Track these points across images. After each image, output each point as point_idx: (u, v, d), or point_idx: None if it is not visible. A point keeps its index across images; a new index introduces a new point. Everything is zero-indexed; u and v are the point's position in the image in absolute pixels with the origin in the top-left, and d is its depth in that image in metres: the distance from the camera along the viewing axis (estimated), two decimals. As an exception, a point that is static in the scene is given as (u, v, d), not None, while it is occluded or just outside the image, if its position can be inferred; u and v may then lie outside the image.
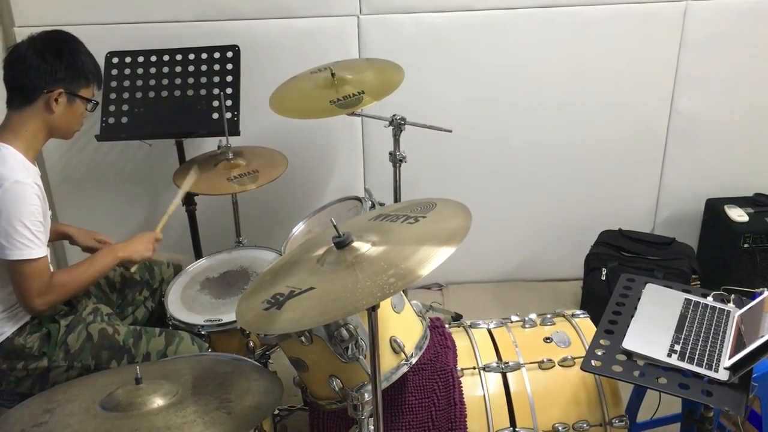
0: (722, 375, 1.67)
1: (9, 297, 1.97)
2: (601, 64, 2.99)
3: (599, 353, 1.77)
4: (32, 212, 1.86)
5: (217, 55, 2.73)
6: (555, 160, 3.14)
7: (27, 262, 1.87)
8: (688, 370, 1.69)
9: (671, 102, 3.05)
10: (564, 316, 2.10)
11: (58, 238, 2.31)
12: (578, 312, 2.11)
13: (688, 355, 1.73)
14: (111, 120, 2.65)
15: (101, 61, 2.64)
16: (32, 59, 1.94)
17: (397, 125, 2.51)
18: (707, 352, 1.74)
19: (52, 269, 1.99)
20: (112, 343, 2.03)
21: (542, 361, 1.91)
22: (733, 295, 1.99)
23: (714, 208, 3.10)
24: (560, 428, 1.84)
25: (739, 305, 1.94)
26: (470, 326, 2.08)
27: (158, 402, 1.50)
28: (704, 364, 1.70)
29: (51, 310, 2.04)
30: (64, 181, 3.06)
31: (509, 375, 1.90)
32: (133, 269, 2.22)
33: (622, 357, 1.75)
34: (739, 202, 3.07)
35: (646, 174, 3.19)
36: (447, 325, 2.07)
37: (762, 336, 1.64)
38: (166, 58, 2.73)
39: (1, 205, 1.83)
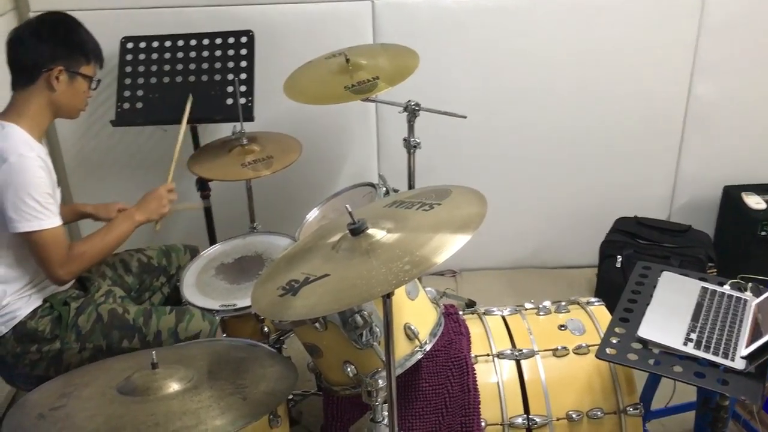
0: (739, 364, 1.66)
1: (22, 277, 1.99)
2: (618, 49, 2.95)
3: (614, 341, 1.76)
4: (38, 184, 1.89)
5: (231, 40, 2.72)
6: (570, 146, 3.11)
7: (40, 233, 1.89)
8: (704, 358, 1.68)
9: (689, 88, 3.02)
10: (579, 303, 2.09)
11: (77, 218, 2.33)
12: (593, 300, 2.10)
13: (704, 343, 1.72)
14: (126, 105, 2.65)
15: (116, 47, 2.66)
16: (29, 39, 1.98)
17: (412, 111, 2.49)
18: (723, 341, 1.73)
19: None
20: (122, 322, 2.05)
21: (557, 349, 1.91)
22: (750, 284, 1.97)
23: (731, 195, 3.07)
24: (574, 416, 1.84)
25: (757, 294, 1.93)
26: (484, 313, 2.08)
27: (174, 387, 1.51)
28: (720, 353, 1.69)
29: (63, 293, 2.07)
30: (80, 166, 3.07)
31: (523, 362, 1.90)
32: (157, 227, 2.25)
33: (637, 345, 1.74)
34: (757, 189, 3.04)
35: (662, 161, 3.16)
36: (460, 312, 2.07)
37: (780, 325, 1.63)
38: (180, 43, 2.73)
39: (8, 179, 1.86)
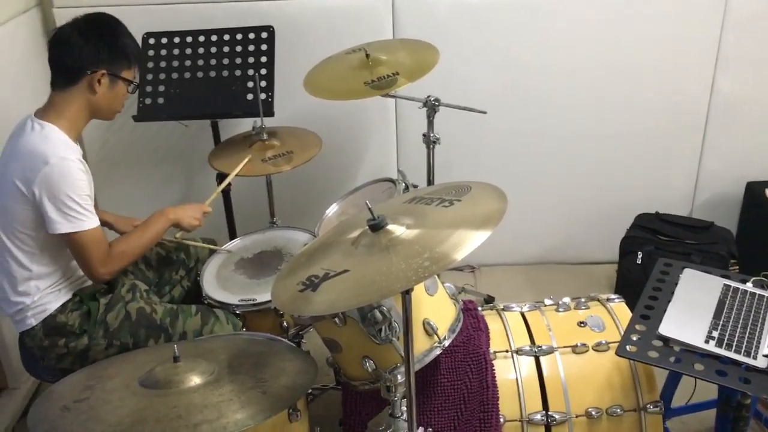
0: (761, 362, 1.64)
1: (54, 273, 2.02)
2: (640, 45, 2.93)
3: (635, 338, 1.76)
4: (80, 186, 1.91)
5: (251, 35, 2.73)
6: (591, 142, 3.09)
7: (81, 234, 1.91)
8: (725, 356, 1.67)
9: (712, 83, 2.98)
10: (599, 300, 2.08)
11: None
12: (613, 296, 2.09)
13: (726, 341, 1.70)
14: (148, 101, 2.68)
15: (138, 43, 2.67)
16: (76, 40, 1.97)
17: (431, 107, 2.49)
18: (746, 339, 1.71)
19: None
20: (149, 321, 2.07)
21: (576, 346, 1.91)
22: (773, 282, 1.96)
23: (754, 191, 3.04)
24: (593, 413, 1.83)
25: (780, 291, 1.91)
26: (503, 309, 2.08)
27: (195, 380, 1.53)
28: (742, 351, 1.68)
29: (92, 287, 2.09)
30: (102, 161, 3.10)
31: (542, 359, 1.90)
32: (177, 235, 2.26)
33: (658, 343, 1.73)
34: (781, 185, 3.01)
35: (684, 156, 3.13)
36: (479, 308, 2.07)
37: (803, 324, 1.61)
38: (201, 39, 2.74)
39: (49, 181, 1.87)
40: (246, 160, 2.47)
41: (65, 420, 1.45)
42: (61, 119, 1.97)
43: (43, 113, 1.98)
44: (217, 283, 2.26)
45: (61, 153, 1.89)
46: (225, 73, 2.70)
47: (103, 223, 2.34)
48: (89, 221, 1.93)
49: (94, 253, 1.95)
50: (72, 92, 1.98)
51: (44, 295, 2.00)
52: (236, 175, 2.49)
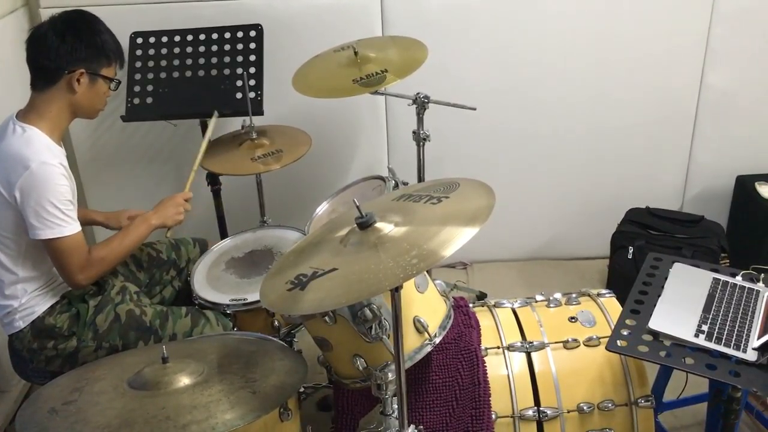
0: (750, 355, 1.65)
1: (41, 276, 2.01)
2: (630, 38, 2.93)
3: (625, 333, 1.76)
4: (61, 192, 1.89)
5: (240, 34, 2.72)
6: (582, 137, 3.09)
7: (61, 240, 1.89)
8: (715, 350, 1.67)
9: (701, 77, 2.99)
10: (589, 295, 2.09)
11: (86, 224, 2.33)
12: (604, 291, 2.10)
13: (715, 335, 1.71)
14: (136, 101, 2.66)
15: (126, 42, 2.66)
16: (52, 40, 1.94)
17: (421, 103, 2.49)
18: (735, 333, 1.72)
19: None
20: (139, 324, 2.06)
21: (567, 341, 1.91)
22: (762, 275, 1.96)
23: (744, 185, 3.05)
24: (585, 407, 1.83)
25: (769, 285, 1.91)
26: (494, 306, 2.08)
27: (184, 381, 1.52)
28: (732, 344, 1.68)
29: (80, 290, 2.07)
30: (92, 162, 3.08)
31: (534, 354, 1.90)
32: (168, 234, 2.25)
33: (648, 337, 1.73)
34: (771, 178, 3.01)
35: (675, 150, 3.13)
36: (471, 305, 2.07)
37: (792, 316, 1.62)
38: (189, 38, 2.73)
39: (30, 186, 1.85)
40: (213, 121, 2.46)
41: (53, 423, 1.44)
42: (43, 121, 1.95)
43: (24, 115, 1.96)
44: (207, 282, 2.25)
45: (42, 157, 1.87)
46: (214, 72, 2.69)
47: (94, 223, 2.33)
48: (69, 227, 1.90)
49: (73, 259, 1.93)
50: (52, 93, 1.96)
51: (32, 297, 1.99)
52: (227, 174, 2.49)
